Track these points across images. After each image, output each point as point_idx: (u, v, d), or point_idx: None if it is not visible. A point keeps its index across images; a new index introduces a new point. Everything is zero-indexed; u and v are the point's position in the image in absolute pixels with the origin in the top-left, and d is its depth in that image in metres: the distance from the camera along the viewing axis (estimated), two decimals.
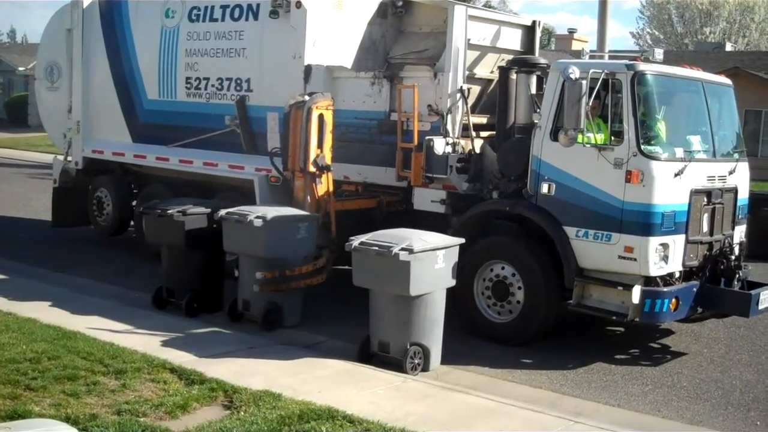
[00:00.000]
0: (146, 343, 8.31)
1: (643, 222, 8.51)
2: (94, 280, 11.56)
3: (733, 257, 9.22)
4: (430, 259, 7.97)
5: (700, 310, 9.23)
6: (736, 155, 9.82)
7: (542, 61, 10.20)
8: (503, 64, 10.52)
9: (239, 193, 11.48)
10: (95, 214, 14.35)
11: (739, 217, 9.70)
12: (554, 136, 8.93)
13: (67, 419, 6.02)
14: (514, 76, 10.00)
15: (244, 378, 7.30)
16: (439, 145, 10.01)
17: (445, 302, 8.33)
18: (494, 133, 10.43)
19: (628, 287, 8.50)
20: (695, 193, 8.83)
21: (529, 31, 11.63)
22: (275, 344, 8.68)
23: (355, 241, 8.11)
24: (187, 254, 9.84)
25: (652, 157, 8.56)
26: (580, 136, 8.55)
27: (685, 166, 8.67)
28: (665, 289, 8.63)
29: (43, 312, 9.27)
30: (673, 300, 8.62)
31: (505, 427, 6.65)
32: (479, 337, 9.43)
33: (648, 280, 8.60)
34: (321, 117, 9.77)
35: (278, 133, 10.71)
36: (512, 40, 11.39)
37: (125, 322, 9.04)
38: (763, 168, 20.84)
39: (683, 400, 7.97)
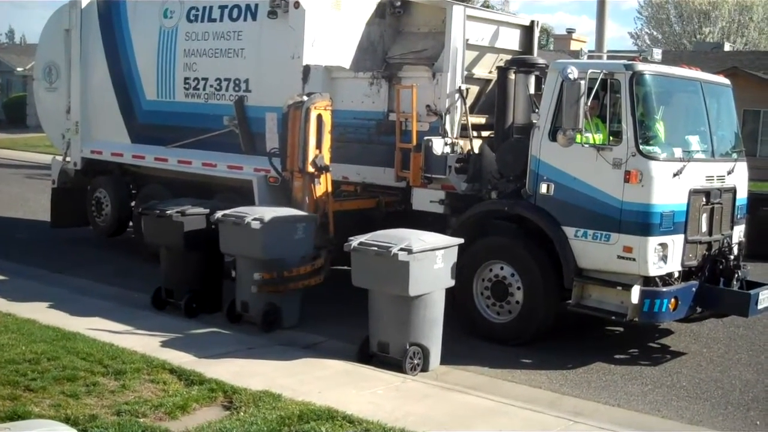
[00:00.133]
0: (146, 343, 8.31)
1: (641, 222, 8.51)
2: (93, 280, 11.56)
3: (732, 257, 9.22)
4: (429, 259, 7.98)
5: (699, 309, 9.23)
6: (734, 155, 9.82)
7: (541, 61, 10.20)
8: (502, 64, 10.51)
9: (238, 193, 11.48)
10: (94, 214, 14.35)
11: (738, 216, 9.70)
12: (553, 136, 8.93)
13: (66, 420, 6.03)
14: (512, 76, 10.00)
15: (244, 378, 7.30)
16: (438, 146, 10.01)
17: (444, 302, 8.33)
18: (493, 133, 10.44)
19: (627, 287, 8.50)
20: (694, 193, 8.84)
21: (528, 31, 11.63)
22: (274, 345, 8.68)
23: (354, 241, 8.11)
24: (186, 255, 9.83)
25: (650, 157, 8.57)
26: (578, 136, 8.56)
27: (684, 166, 8.68)
28: (664, 289, 8.63)
29: (42, 313, 9.27)
30: (672, 300, 8.63)
31: (504, 427, 6.65)
32: (478, 337, 9.43)
33: (647, 280, 8.60)
34: (319, 117, 9.77)
35: (277, 134, 10.71)
36: (511, 40, 11.39)
37: (124, 323, 9.04)
38: (762, 168, 20.83)
39: (683, 400, 7.98)
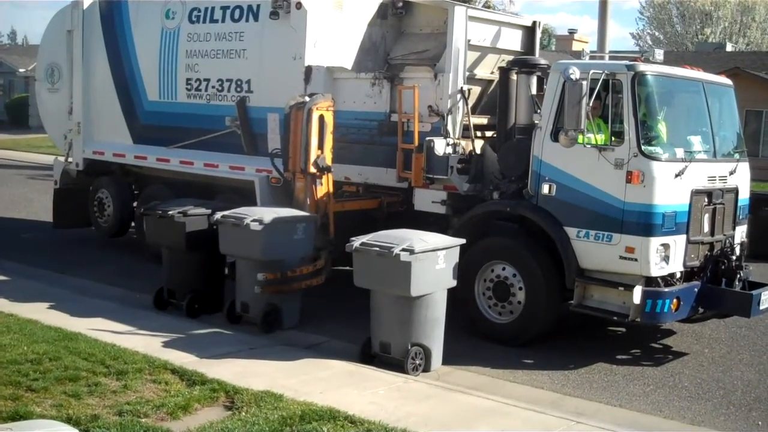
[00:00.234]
0: (147, 343, 8.32)
1: (644, 222, 8.51)
2: (95, 281, 11.57)
3: (734, 257, 9.22)
4: (431, 259, 7.98)
5: (701, 310, 9.23)
6: (736, 155, 9.82)
7: (542, 61, 10.20)
8: (504, 64, 10.52)
9: (240, 194, 11.48)
10: (96, 215, 14.37)
11: (740, 217, 9.70)
12: (555, 136, 8.93)
13: (68, 420, 6.03)
14: (514, 77, 10.01)
15: (246, 379, 7.30)
16: (440, 146, 10.01)
17: (446, 303, 8.33)
18: (495, 133, 10.44)
19: (629, 288, 8.50)
20: (696, 193, 8.83)
21: (530, 31, 11.63)
22: (276, 345, 8.68)
23: (356, 241, 8.11)
24: (188, 255, 9.84)
25: (652, 157, 8.56)
26: (580, 137, 8.56)
27: (686, 166, 8.68)
28: (666, 290, 8.63)
29: (44, 313, 9.28)
30: (675, 300, 8.63)
31: (506, 428, 6.65)
32: (480, 337, 9.43)
33: (649, 281, 8.60)
34: (321, 118, 9.78)
35: (279, 134, 10.71)
36: (512, 40, 11.39)
37: (126, 323, 9.05)
38: (764, 168, 20.82)
39: (685, 400, 7.97)
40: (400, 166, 10.40)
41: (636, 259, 8.52)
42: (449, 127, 10.18)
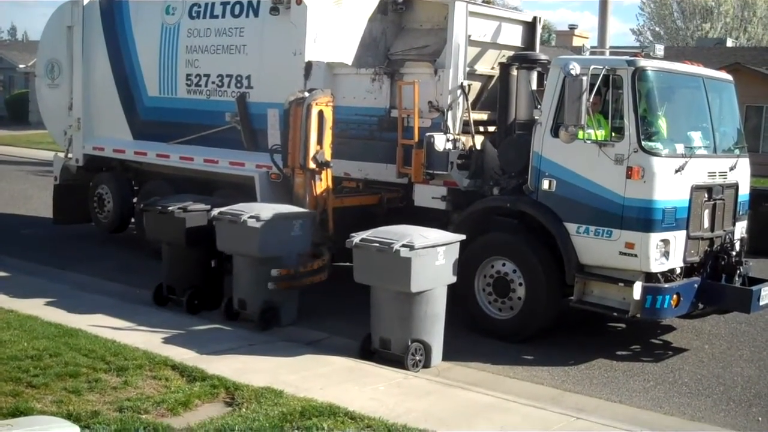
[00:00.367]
0: (148, 340, 8.32)
1: (644, 218, 8.50)
2: (95, 277, 11.57)
3: (734, 253, 9.21)
4: (431, 255, 7.97)
5: (701, 306, 9.22)
6: (736, 151, 9.81)
7: (543, 57, 10.20)
8: (504, 60, 10.51)
9: (240, 190, 11.47)
10: (96, 211, 14.37)
11: (740, 213, 9.70)
12: (555, 132, 8.93)
13: (68, 416, 6.03)
14: (514, 73, 10.00)
15: (246, 375, 7.31)
16: (440, 142, 10.00)
17: (446, 299, 8.33)
18: (495, 129, 10.43)
19: (629, 283, 8.50)
20: (696, 189, 8.83)
21: (530, 27, 11.61)
22: (276, 341, 8.68)
23: (356, 237, 8.11)
24: (188, 251, 9.84)
25: (652, 153, 8.56)
26: (580, 133, 8.55)
27: (686, 162, 8.67)
28: (666, 286, 8.62)
29: (44, 309, 9.29)
30: (674, 296, 8.62)
31: (506, 424, 6.66)
32: (480, 333, 9.43)
33: (649, 277, 8.60)
34: (321, 113, 9.77)
35: (278, 130, 10.70)
36: (513, 36, 11.37)
37: (126, 319, 9.06)
38: (764, 164, 20.81)
39: (684, 396, 7.98)
40: (400, 161, 10.40)
41: (636, 255, 8.52)
42: (449, 123, 10.17)
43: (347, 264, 8.75)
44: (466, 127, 10.35)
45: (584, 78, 8.40)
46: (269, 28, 11.42)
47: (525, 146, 9.32)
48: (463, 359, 8.58)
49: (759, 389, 8.24)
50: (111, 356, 7.57)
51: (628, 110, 8.63)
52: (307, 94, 9.85)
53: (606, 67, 8.78)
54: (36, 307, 9.30)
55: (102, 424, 6.00)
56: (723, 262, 9.12)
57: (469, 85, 10.39)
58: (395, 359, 8.01)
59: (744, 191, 9.76)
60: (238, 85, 11.87)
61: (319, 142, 9.78)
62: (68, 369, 7.15)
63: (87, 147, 14.06)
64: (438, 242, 8.09)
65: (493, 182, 9.86)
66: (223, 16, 12.03)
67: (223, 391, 6.91)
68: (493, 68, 11.06)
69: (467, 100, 10.29)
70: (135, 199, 13.91)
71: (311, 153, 9.70)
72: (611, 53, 11.15)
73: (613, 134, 8.81)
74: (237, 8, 11.86)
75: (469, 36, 10.40)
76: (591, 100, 8.57)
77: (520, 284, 9.21)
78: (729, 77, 10.18)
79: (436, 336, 8.23)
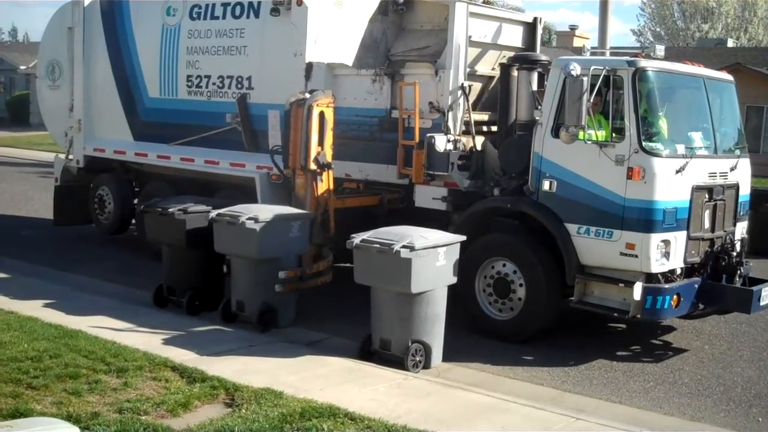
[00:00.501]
0: (148, 341, 8.32)
1: (644, 219, 8.50)
2: (95, 278, 11.57)
3: (734, 254, 9.21)
4: (432, 256, 7.97)
5: (701, 306, 9.22)
6: (737, 151, 9.81)
7: (543, 57, 10.19)
8: (504, 61, 10.51)
9: (241, 191, 11.47)
10: (97, 212, 14.38)
11: (741, 213, 9.69)
12: (555, 133, 8.92)
13: (68, 418, 6.03)
14: (515, 73, 10.00)
15: (246, 376, 7.30)
16: (441, 143, 10.00)
17: (446, 299, 8.33)
18: (495, 130, 10.43)
19: (630, 284, 8.49)
20: (697, 189, 8.82)
21: (531, 27, 11.61)
22: (276, 342, 8.68)
23: (357, 238, 8.11)
24: (188, 252, 9.84)
25: (653, 153, 8.55)
26: (581, 133, 8.55)
27: (687, 162, 8.67)
28: (667, 286, 8.62)
29: (44, 310, 9.29)
30: (675, 297, 8.62)
31: (506, 424, 6.66)
32: (480, 334, 9.43)
33: (649, 277, 8.59)
34: (322, 114, 9.77)
35: (279, 131, 10.70)
36: (513, 36, 11.37)
37: (127, 320, 9.06)
38: (765, 164, 20.80)
39: (685, 397, 7.97)
40: (401, 162, 10.39)
41: (636, 256, 8.52)
42: (450, 124, 10.17)
43: (348, 265, 8.74)
44: (466, 128, 10.35)
45: (585, 78, 8.40)
46: (270, 29, 11.42)
47: (525, 147, 9.32)
48: (463, 360, 8.58)
49: (759, 390, 8.23)
50: (111, 357, 7.57)
51: (628, 111, 8.63)
52: (308, 95, 9.85)
53: (606, 67, 8.78)
54: (36, 309, 9.30)
55: (102, 425, 6.00)
56: (723, 263, 9.12)
57: (470, 86, 10.39)
58: (395, 360, 8.01)
59: (744, 192, 9.76)
60: (239, 86, 11.88)
61: (320, 143, 9.77)
62: (68, 370, 7.15)
63: (88, 148, 14.07)
64: (438, 243, 8.09)
65: (493, 183, 9.86)
66: (224, 17, 12.03)
67: (223, 392, 6.91)
68: (493, 69, 11.06)
69: (468, 100, 10.29)
70: (136, 201, 13.92)
71: (312, 154, 9.70)
72: (612, 54, 11.14)
73: (614, 135, 8.80)
74: (238, 9, 11.87)
75: (470, 37, 10.41)
76: (591, 100, 8.57)
77: (521, 285, 9.21)
78: (730, 78, 10.18)
79: (436, 337, 8.23)
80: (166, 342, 8.40)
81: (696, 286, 8.92)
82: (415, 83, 10.17)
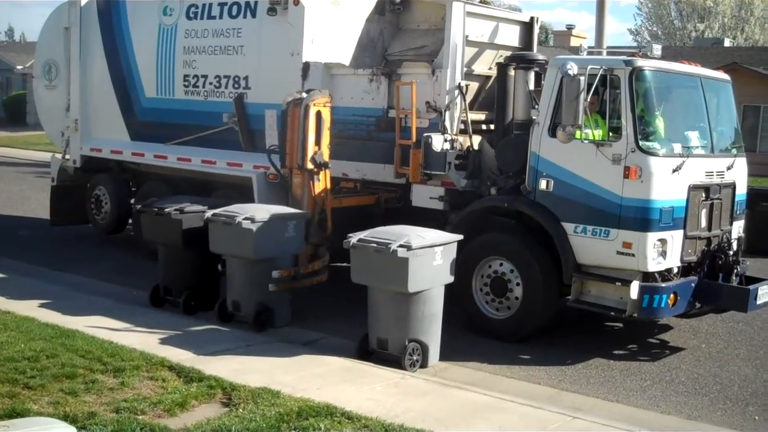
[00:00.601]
0: (144, 341, 8.31)
1: (641, 218, 8.51)
2: (92, 278, 11.56)
3: (731, 252, 9.22)
4: (429, 255, 7.97)
5: (698, 305, 9.23)
6: (734, 151, 9.82)
7: (540, 57, 10.20)
8: (501, 60, 10.51)
9: (238, 190, 11.46)
10: (93, 212, 14.36)
11: (737, 212, 9.70)
12: (552, 132, 8.92)
13: (65, 417, 6.02)
14: (512, 73, 9.99)
15: (243, 375, 7.30)
16: (438, 142, 10.00)
17: (443, 299, 8.33)
18: (493, 129, 10.43)
19: (627, 283, 8.50)
20: (693, 188, 8.83)
21: (528, 27, 11.60)
22: (273, 341, 8.68)
23: (354, 238, 8.11)
24: (185, 252, 9.82)
25: (650, 152, 8.56)
26: (578, 132, 8.56)
27: (684, 161, 8.67)
28: (663, 285, 8.62)
29: (41, 310, 9.28)
30: (672, 295, 8.63)
31: (503, 423, 6.66)
32: (477, 333, 9.43)
33: (646, 276, 8.60)
34: (319, 114, 9.76)
35: (276, 131, 10.69)
36: (510, 36, 11.37)
37: (124, 320, 9.05)
38: (761, 163, 20.87)
39: (681, 395, 7.98)
40: (398, 162, 10.39)
41: (633, 255, 8.52)
42: (447, 123, 10.16)
43: (345, 264, 8.74)
44: (463, 128, 10.34)
45: (582, 78, 8.41)
46: (267, 28, 11.41)
47: (522, 146, 9.33)
48: (460, 359, 8.59)
49: (756, 388, 8.24)
50: (108, 357, 7.56)
51: (625, 110, 8.64)
52: (304, 94, 9.85)
53: (603, 66, 8.78)
54: (33, 308, 9.29)
55: (99, 425, 5.99)
56: (720, 262, 9.12)
57: (467, 86, 10.39)
58: (392, 359, 8.01)
59: (741, 191, 9.77)
60: (236, 85, 11.87)
61: (317, 142, 9.77)
62: (65, 370, 7.14)
63: (84, 148, 14.05)
64: (435, 242, 8.09)
65: (490, 182, 9.86)
66: (221, 16, 12.03)
67: (220, 391, 6.91)
68: (490, 68, 11.05)
69: (465, 100, 10.29)
70: (132, 200, 13.90)
71: (309, 154, 9.70)
72: (609, 53, 11.16)
73: (611, 134, 8.81)
74: (234, 9, 11.86)
75: (467, 36, 10.40)
76: (588, 100, 8.57)
77: (518, 284, 9.22)
78: (726, 77, 10.19)
79: (433, 336, 8.23)
80: (163, 342, 8.39)
81: (693, 284, 8.93)
82: (412, 83, 10.17)
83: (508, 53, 10.76)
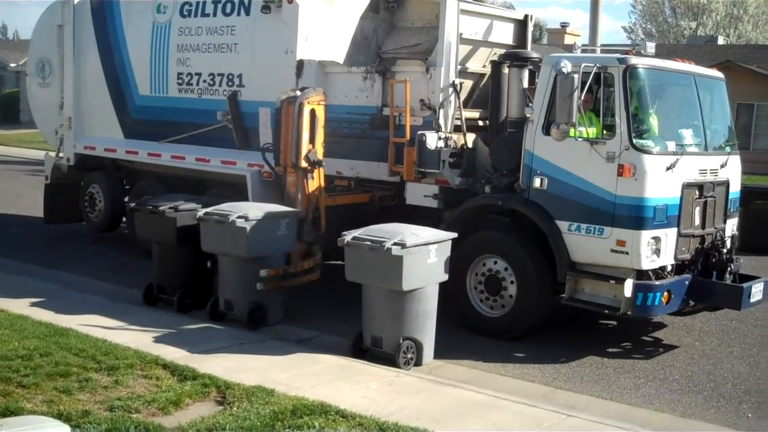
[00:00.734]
0: (138, 339, 8.30)
1: (635, 216, 8.52)
2: (85, 276, 11.53)
3: (724, 250, 9.24)
4: (423, 253, 7.97)
5: (692, 303, 9.25)
6: (727, 148, 9.84)
7: (534, 55, 10.21)
8: (495, 58, 10.51)
9: (232, 188, 11.45)
10: (87, 210, 14.33)
11: (731, 210, 9.73)
12: (546, 130, 8.93)
13: (59, 416, 6.01)
14: (506, 71, 10.00)
15: (237, 373, 7.29)
16: (432, 140, 10.00)
17: (437, 297, 8.33)
18: (487, 127, 10.44)
19: (621, 281, 8.51)
20: (687, 186, 8.85)
21: (522, 25, 11.61)
22: (267, 340, 8.68)
23: (348, 236, 8.10)
24: (178, 250, 9.81)
25: (644, 150, 8.57)
26: (572, 130, 8.57)
27: (677, 159, 8.69)
28: (657, 283, 8.64)
29: (34, 308, 9.26)
30: (665, 293, 8.64)
31: (497, 421, 6.66)
32: (472, 331, 9.44)
33: (640, 274, 8.62)
34: (313, 112, 9.75)
35: (270, 129, 10.68)
36: (504, 34, 11.37)
37: (118, 319, 9.03)
38: (755, 161, 20.91)
39: (675, 393, 8.00)
40: (392, 160, 10.38)
41: (627, 253, 8.54)
42: (441, 121, 10.17)
43: (339, 262, 8.74)
44: (457, 126, 10.34)
45: (575, 76, 8.41)
46: (261, 26, 11.40)
47: (516, 144, 9.33)
48: (454, 357, 8.59)
49: (749, 386, 8.26)
50: (102, 355, 7.55)
51: (619, 108, 8.65)
52: (299, 92, 9.83)
53: (597, 64, 8.78)
54: (26, 307, 9.27)
55: (93, 423, 5.98)
56: (714, 260, 9.15)
57: (461, 84, 10.39)
58: (387, 357, 8.01)
59: (735, 188, 9.79)
60: (230, 83, 11.85)
61: (311, 140, 9.76)
62: (59, 368, 7.13)
63: (78, 146, 14.02)
64: (430, 240, 8.09)
65: (484, 180, 9.87)
66: (215, 14, 12.00)
67: (214, 390, 6.90)
68: (484, 66, 11.06)
69: (459, 98, 10.29)
70: (126, 199, 13.86)
71: (303, 152, 9.69)
72: (603, 51, 11.16)
73: (605, 132, 8.81)
74: (228, 6, 11.83)
75: (461, 34, 10.40)
76: (582, 97, 8.57)
77: (512, 282, 9.22)
78: (720, 75, 10.21)
79: (427, 334, 8.23)
80: (157, 340, 8.38)
81: (686, 282, 8.95)
82: (406, 80, 10.17)
83: (502, 51, 10.76)
